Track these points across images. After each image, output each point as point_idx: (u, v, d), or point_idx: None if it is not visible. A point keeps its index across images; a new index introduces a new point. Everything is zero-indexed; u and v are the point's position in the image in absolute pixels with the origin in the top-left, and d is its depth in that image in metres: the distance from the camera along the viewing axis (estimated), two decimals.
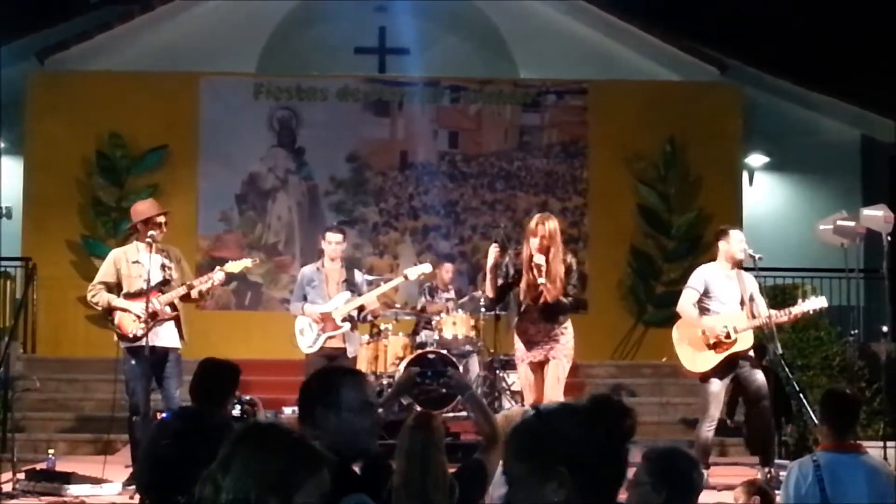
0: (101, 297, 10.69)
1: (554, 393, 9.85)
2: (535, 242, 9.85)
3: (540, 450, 2.91)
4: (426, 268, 12.60)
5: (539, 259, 9.79)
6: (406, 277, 12.37)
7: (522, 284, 9.94)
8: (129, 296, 10.54)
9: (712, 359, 10.37)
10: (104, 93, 16.86)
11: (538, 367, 10.00)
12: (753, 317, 10.33)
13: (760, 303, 10.38)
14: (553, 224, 9.95)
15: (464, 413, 12.64)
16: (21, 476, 10.14)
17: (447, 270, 14.80)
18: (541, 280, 9.79)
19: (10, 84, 16.93)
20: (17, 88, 16.91)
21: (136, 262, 10.58)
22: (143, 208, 10.99)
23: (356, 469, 4.50)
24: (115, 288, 10.64)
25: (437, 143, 17.63)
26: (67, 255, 16.64)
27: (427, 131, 17.60)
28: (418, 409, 12.21)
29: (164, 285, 10.61)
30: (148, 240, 10.53)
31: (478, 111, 17.73)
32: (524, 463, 2.94)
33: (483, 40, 18.49)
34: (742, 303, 10.35)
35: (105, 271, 10.83)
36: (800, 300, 10.83)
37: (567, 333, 10.02)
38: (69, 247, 16.68)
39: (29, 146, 17.03)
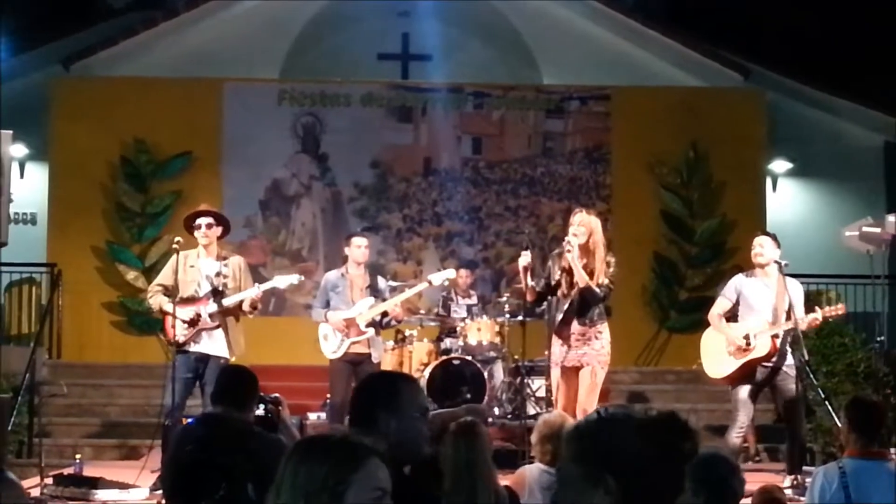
0: (155, 300, 10.83)
1: (588, 400, 9.91)
2: (573, 229, 10.01)
3: (594, 455, 2.89)
4: (450, 273, 12.60)
5: (574, 240, 9.90)
6: (430, 283, 12.38)
7: (562, 275, 10.04)
8: (183, 301, 10.61)
9: (730, 365, 10.39)
10: (129, 99, 16.91)
11: (572, 373, 10.03)
12: (787, 321, 10.33)
13: (797, 310, 10.34)
14: (594, 219, 10.19)
15: (489, 419, 12.67)
16: (49, 481, 10.19)
17: (463, 276, 14.73)
18: (567, 249, 9.90)
19: (35, 90, 17.02)
20: (42, 94, 16.98)
21: (192, 266, 10.65)
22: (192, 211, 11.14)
23: (405, 471, 4.53)
24: (173, 291, 10.69)
25: (460, 150, 17.64)
26: (92, 261, 16.68)
27: (450, 137, 17.61)
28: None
29: (215, 294, 10.65)
30: (174, 245, 10.59)
31: (501, 117, 17.73)
32: (577, 465, 2.92)
33: (506, 46, 18.50)
34: (777, 309, 10.32)
35: (164, 274, 10.96)
36: (818, 308, 10.78)
37: (602, 339, 10.06)
38: (94, 252, 16.73)
39: (54, 152, 17.09)
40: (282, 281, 11.30)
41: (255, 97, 17.37)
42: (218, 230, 10.95)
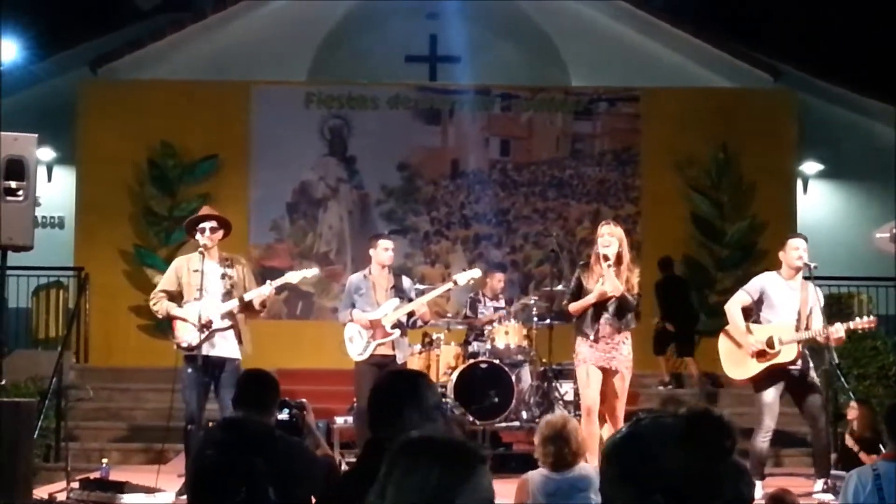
0: (161, 306, 10.65)
1: (620, 408, 10.03)
2: (603, 240, 10.08)
3: (639, 476, 2.80)
4: (475, 273, 12.48)
5: (609, 251, 9.97)
6: (455, 283, 12.23)
7: (594, 285, 10.03)
8: (190, 305, 10.51)
9: (753, 367, 10.25)
10: (156, 102, 16.91)
11: (600, 371, 10.04)
12: (807, 329, 10.20)
13: (816, 317, 10.21)
14: (620, 229, 10.29)
15: (516, 423, 12.59)
16: (75, 485, 10.15)
17: (498, 279, 14.63)
18: (606, 264, 9.95)
19: (63, 93, 17.06)
20: (70, 98, 17.01)
21: (196, 270, 10.51)
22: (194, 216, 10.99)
23: None
24: (177, 296, 10.61)
25: (488, 152, 17.59)
26: (120, 265, 16.68)
27: (478, 139, 17.56)
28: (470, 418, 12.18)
29: (224, 295, 10.53)
30: (201, 249, 10.48)
31: (529, 119, 17.67)
32: (622, 489, 2.82)
33: (534, 48, 18.42)
34: (800, 314, 10.20)
35: (167, 279, 10.81)
36: (851, 320, 10.64)
37: (628, 344, 10.12)
38: (121, 256, 16.73)
39: (81, 155, 17.10)
40: (295, 276, 11.14)
41: (282, 100, 17.35)
42: (220, 233, 10.79)
